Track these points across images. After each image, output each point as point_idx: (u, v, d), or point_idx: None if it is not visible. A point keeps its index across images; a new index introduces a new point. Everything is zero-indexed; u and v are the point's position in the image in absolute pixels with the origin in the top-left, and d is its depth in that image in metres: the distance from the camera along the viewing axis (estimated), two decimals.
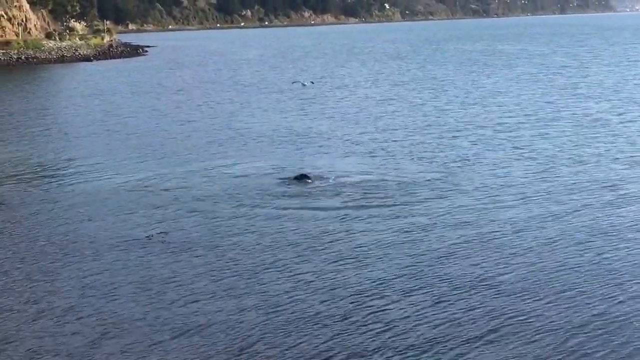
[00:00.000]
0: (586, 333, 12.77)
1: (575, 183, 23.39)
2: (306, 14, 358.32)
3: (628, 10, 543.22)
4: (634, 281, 15.03)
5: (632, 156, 27.24)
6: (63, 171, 27.30)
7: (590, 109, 39.36)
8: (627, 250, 16.96)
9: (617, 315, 13.42)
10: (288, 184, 23.55)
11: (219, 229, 19.09)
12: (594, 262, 16.21)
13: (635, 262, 16.15)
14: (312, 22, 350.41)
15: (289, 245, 17.68)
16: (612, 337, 12.63)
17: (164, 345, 12.52)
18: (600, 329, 12.91)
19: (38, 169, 27.94)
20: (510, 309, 13.67)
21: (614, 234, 18.15)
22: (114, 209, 21.26)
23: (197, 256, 16.94)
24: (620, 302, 14.01)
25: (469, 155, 28.12)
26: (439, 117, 38.41)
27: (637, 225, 18.83)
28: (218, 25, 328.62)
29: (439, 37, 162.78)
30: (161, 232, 18.72)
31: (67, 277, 15.81)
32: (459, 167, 26.07)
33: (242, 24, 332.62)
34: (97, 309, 14.05)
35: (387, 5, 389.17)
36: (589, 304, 13.93)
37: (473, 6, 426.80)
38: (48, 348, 12.54)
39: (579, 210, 20.16)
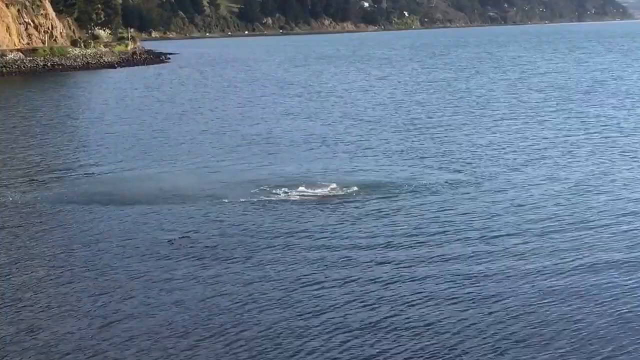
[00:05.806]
0: None
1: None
2: (326, 22, 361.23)
3: None
4: None
5: None
6: (84, 174, 27.72)
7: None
8: None
9: None
10: (314, 191, 23.06)
11: (244, 234, 18.74)
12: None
13: None
14: (332, 30, 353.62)
15: (319, 253, 17.31)
16: None
17: (186, 349, 12.55)
18: None
19: (60, 172, 28.24)
20: None
21: None
22: (135, 212, 21.23)
23: (221, 261, 16.66)
24: None
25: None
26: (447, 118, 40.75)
27: None
28: (246, 32, 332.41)
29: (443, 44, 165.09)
30: (183, 237, 18.53)
31: (89, 278, 15.95)
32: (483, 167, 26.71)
33: (265, 32, 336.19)
34: (121, 311, 14.13)
35: (406, 13, 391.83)
36: None
37: (491, 14, 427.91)
38: (67, 346, 12.74)
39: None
